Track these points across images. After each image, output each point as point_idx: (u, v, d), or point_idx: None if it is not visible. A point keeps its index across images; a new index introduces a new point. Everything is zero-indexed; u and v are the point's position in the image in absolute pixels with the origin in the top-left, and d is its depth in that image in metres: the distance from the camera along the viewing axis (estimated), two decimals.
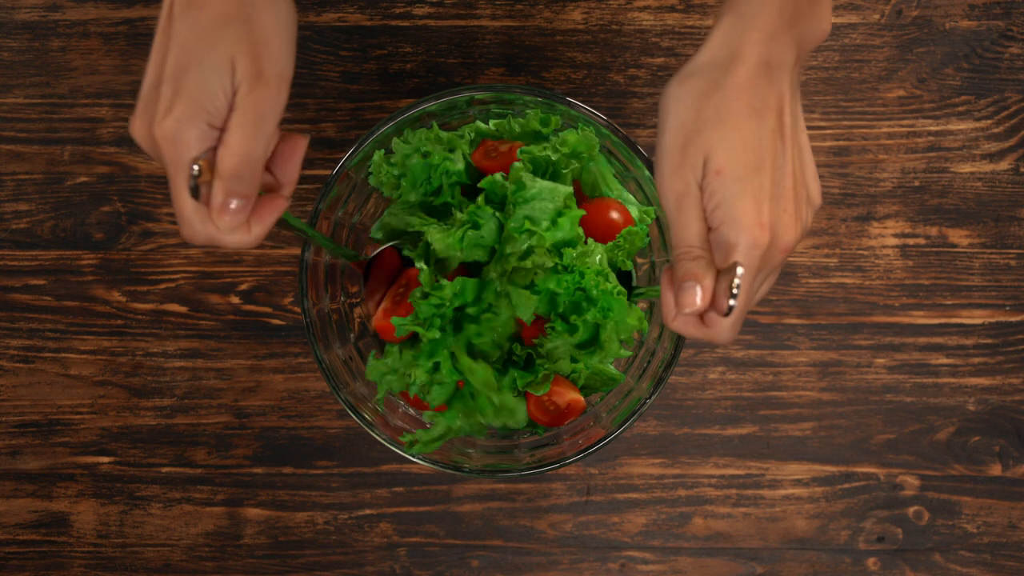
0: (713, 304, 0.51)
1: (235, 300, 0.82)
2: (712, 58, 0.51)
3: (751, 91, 0.50)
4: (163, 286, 0.82)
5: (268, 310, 0.82)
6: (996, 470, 0.81)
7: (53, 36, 0.84)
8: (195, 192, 0.50)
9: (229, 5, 0.51)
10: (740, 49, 0.50)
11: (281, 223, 0.57)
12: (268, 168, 0.55)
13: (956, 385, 0.81)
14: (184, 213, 0.52)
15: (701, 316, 0.52)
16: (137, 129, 0.52)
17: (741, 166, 0.50)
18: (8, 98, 0.84)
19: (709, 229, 0.51)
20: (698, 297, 0.51)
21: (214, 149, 0.51)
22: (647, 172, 0.68)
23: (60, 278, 0.83)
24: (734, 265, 0.49)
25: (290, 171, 0.56)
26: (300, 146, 0.56)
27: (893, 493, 0.81)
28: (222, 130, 0.51)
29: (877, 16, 0.83)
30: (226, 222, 0.52)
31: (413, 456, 0.67)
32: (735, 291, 0.49)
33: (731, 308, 0.50)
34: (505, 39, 0.83)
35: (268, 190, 0.56)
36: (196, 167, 0.50)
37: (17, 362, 0.82)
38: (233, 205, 0.51)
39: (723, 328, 0.52)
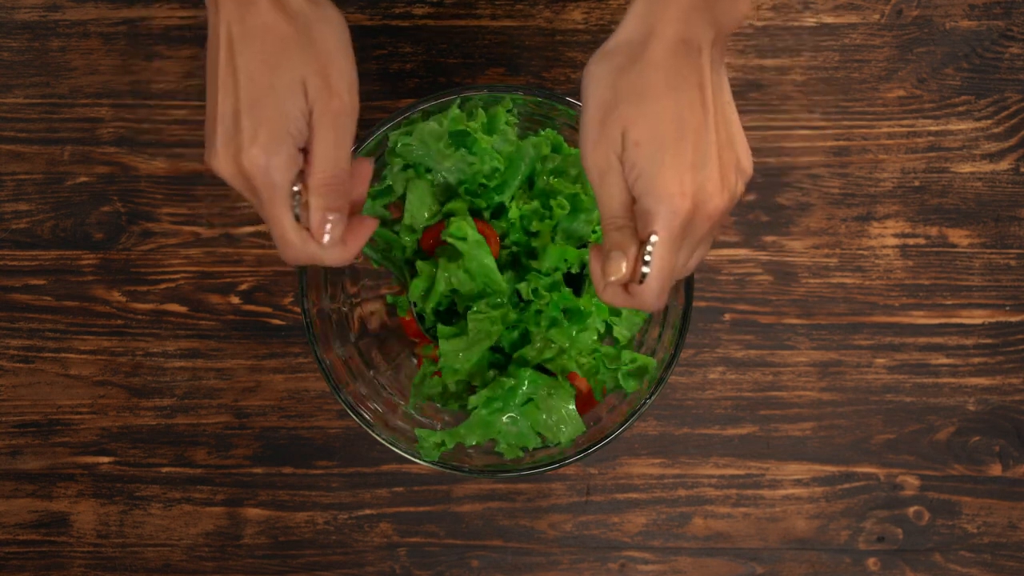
0: (635, 275, 0.52)
1: (235, 300, 0.82)
2: (629, 37, 0.52)
3: (668, 67, 0.51)
4: (163, 286, 0.82)
5: (268, 310, 0.82)
6: (996, 470, 0.81)
7: (53, 36, 0.84)
8: (298, 216, 0.53)
9: (287, 27, 0.52)
10: (656, 27, 0.51)
11: (375, 250, 0.61)
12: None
13: (956, 385, 0.81)
14: (287, 237, 0.54)
15: (626, 286, 0.53)
16: (223, 165, 0.53)
17: (660, 136, 0.50)
18: (8, 98, 0.84)
19: (633, 200, 0.52)
20: (623, 266, 0.52)
21: (301, 172, 0.53)
22: None
23: (60, 278, 0.83)
24: (649, 234, 0.51)
25: (360, 191, 0.58)
26: (367, 168, 0.58)
27: (893, 493, 0.81)
28: (306, 151, 0.53)
29: (877, 16, 0.83)
30: (327, 238, 0.54)
31: (413, 456, 0.67)
32: (647, 258, 0.51)
33: (644, 276, 0.51)
34: (505, 39, 0.83)
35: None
36: (296, 189, 0.52)
37: (17, 362, 0.82)
38: (331, 219, 0.54)
39: (646, 297, 0.53)
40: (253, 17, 0.52)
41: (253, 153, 0.52)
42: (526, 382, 0.66)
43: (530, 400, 0.66)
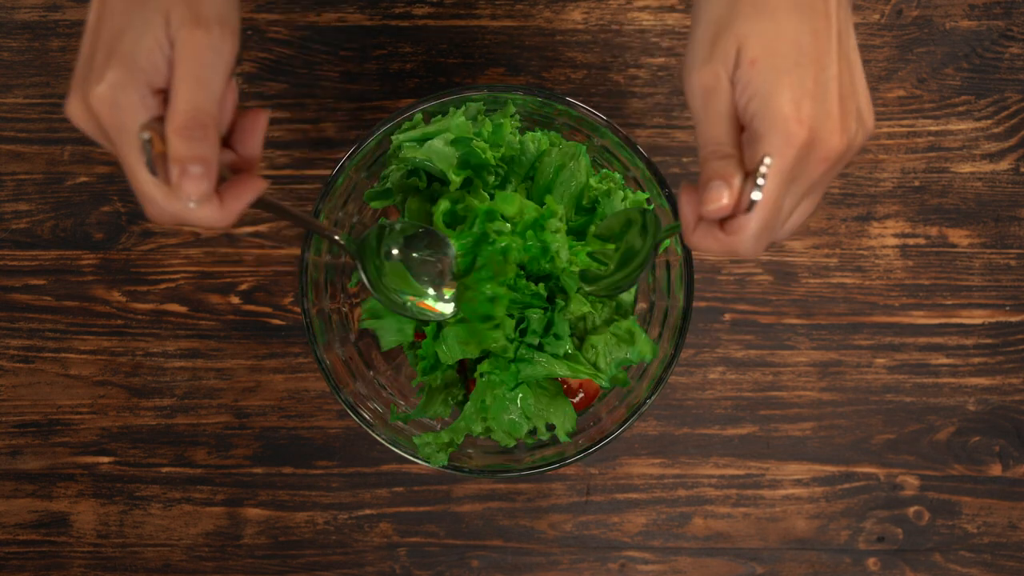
0: (738, 206, 0.47)
1: (235, 300, 0.82)
2: None
3: None
4: (163, 286, 0.82)
5: (268, 310, 0.82)
6: (996, 470, 0.81)
7: (53, 36, 0.84)
8: (151, 167, 0.46)
9: None
10: None
11: (264, 206, 0.53)
12: (230, 144, 0.51)
13: (956, 385, 0.81)
14: (144, 190, 0.47)
15: (721, 225, 0.48)
16: (72, 107, 0.47)
17: (780, 57, 0.46)
18: (8, 98, 0.83)
19: (741, 129, 0.47)
20: (725, 196, 0.46)
21: (162, 118, 0.46)
22: (647, 172, 0.68)
23: (60, 278, 0.83)
24: (763, 156, 0.45)
25: (252, 145, 0.51)
26: (261, 120, 0.51)
27: (893, 493, 0.81)
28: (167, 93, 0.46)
29: (877, 16, 0.83)
30: (189, 191, 0.46)
31: (413, 456, 0.67)
32: (760, 182, 0.45)
33: (753, 203, 0.46)
34: (505, 39, 0.83)
35: (236, 170, 0.51)
36: (146, 134, 0.45)
37: (17, 362, 0.82)
38: (193, 171, 0.45)
39: (746, 236, 0.47)
40: None
41: (99, 90, 0.45)
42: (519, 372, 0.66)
43: (521, 384, 0.66)
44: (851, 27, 0.49)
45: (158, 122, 0.46)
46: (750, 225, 0.47)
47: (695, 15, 0.48)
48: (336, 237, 0.62)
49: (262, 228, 0.82)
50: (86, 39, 0.47)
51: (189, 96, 0.46)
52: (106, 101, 0.46)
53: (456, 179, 0.65)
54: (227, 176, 0.49)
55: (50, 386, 0.82)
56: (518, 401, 0.67)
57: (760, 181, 0.45)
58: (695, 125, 0.49)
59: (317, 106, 0.83)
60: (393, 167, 0.70)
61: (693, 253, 0.68)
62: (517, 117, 0.68)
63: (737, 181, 0.46)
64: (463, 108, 0.67)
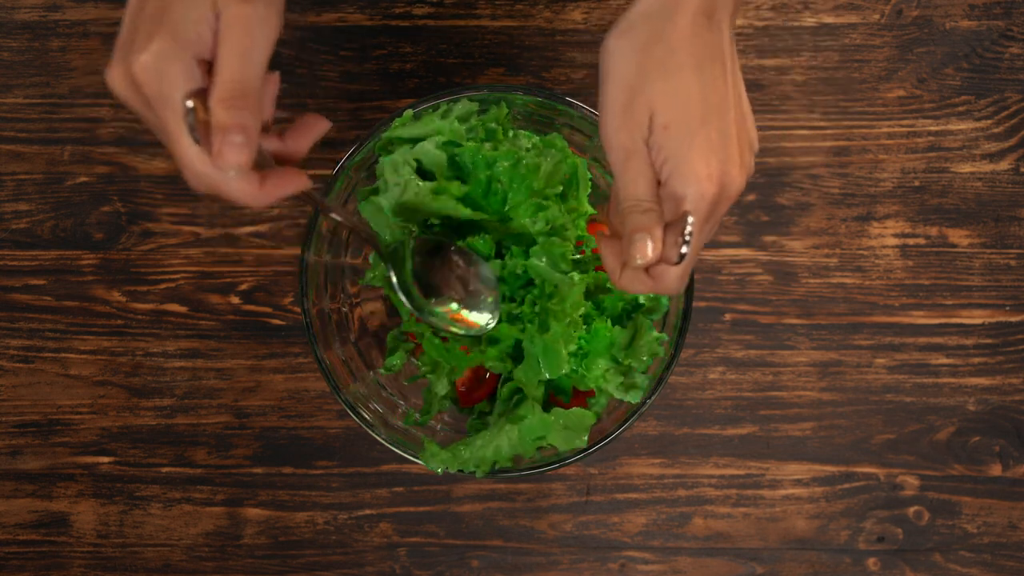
0: (663, 255, 0.51)
1: (235, 300, 0.82)
2: (650, 9, 0.50)
3: (694, 41, 0.49)
4: (163, 286, 0.82)
5: (268, 310, 0.82)
6: (996, 470, 0.81)
7: (53, 36, 0.84)
8: (194, 135, 0.47)
9: None
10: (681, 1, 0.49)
11: (307, 199, 0.54)
12: (281, 136, 0.53)
13: (956, 385, 0.81)
14: (185, 157, 0.48)
15: (646, 270, 0.53)
16: (114, 76, 0.47)
17: (688, 119, 0.49)
18: (8, 98, 0.83)
19: (659, 183, 0.51)
20: (650, 248, 0.51)
21: (206, 90, 0.47)
22: None
23: (60, 278, 0.83)
24: (685, 214, 0.50)
25: (301, 144, 0.53)
26: (321, 125, 0.54)
27: (893, 493, 0.81)
28: (211, 64, 0.47)
29: (877, 16, 0.83)
30: (229, 159, 0.46)
31: (413, 456, 0.67)
32: (687, 238, 0.50)
33: (682, 256, 0.50)
34: (505, 39, 0.83)
35: (278, 160, 0.53)
36: (190, 102, 0.46)
37: (17, 362, 0.82)
38: (234, 139, 0.46)
39: (671, 278, 0.52)
40: None
41: (143, 59, 0.46)
42: (541, 419, 0.65)
43: (540, 438, 0.66)
44: (735, 52, 0.52)
45: (200, 92, 0.47)
46: (678, 271, 0.52)
47: (604, 70, 0.51)
48: (376, 244, 0.62)
49: (262, 228, 0.82)
50: (130, 8, 0.48)
51: (235, 68, 0.47)
52: (150, 69, 0.46)
53: (454, 191, 0.65)
54: (268, 164, 0.51)
55: (50, 386, 0.82)
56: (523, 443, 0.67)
57: (687, 238, 0.50)
58: (615, 179, 0.52)
59: (317, 106, 0.83)
60: (384, 161, 0.69)
61: None
62: (509, 117, 0.68)
63: (659, 232, 0.51)
64: (460, 102, 0.67)
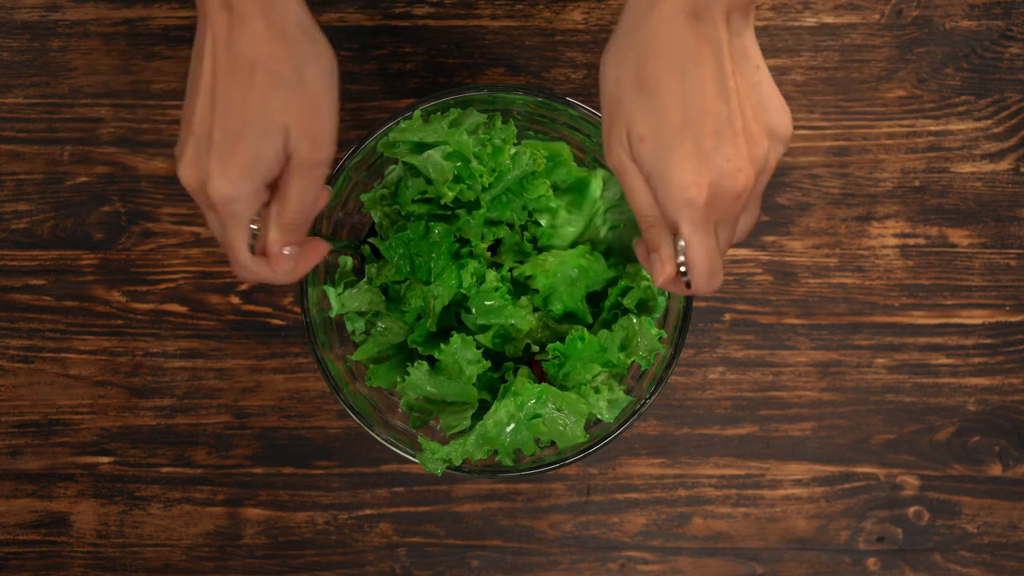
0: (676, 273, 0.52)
1: (235, 300, 0.82)
2: (628, 17, 0.49)
3: (674, 44, 0.47)
4: (163, 286, 0.82)
5: (268, 310, 0.82)
6: (996, 470, 0.81)
7: (53, 36, 0.84)
8: (252, 248, 0.55)
9: (277, 66, 0.50)
10: (657, 1, 0.47)
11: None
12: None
13: (956, 385, 0.81)
14: (241, 260, 0.55)
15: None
16: (188, 179, 0.52)
17: (666, 127, 0.48)
18: (8, 98, 0.84)
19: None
20: (662, 268, 0.52)
21: (266, 204, 0.53)
22: None
23: (60, 278, 0.83)
24: (679, 236, 0.50)
25: (302, 269, 0.58)
26: (321, 250, 0.59)
27: (893, 493, 0.81)
28: (272, 186, 0.53)
29: (877, 16, 0.83)
30: (283, 267, 0.55)
31: (413, 456, 0.67)
32: (681, 258, 0.50)
33: (687, 283, 0.51)
34: (505, 39, 0.83)
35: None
36: (255, 227, 0.54)
37: (17, 362, 0.82)
38: (287, 252, 0.55)
39: (696, 287, 0.52)
40: (242, 43, 0.49)
41: (219, 184, 0.51)
42: (535, 398, 0.65)
43: (537, 416, 0.66)
44: (750, 47, 0.50)
45: (264, 207, 0.54)
46: (694, 283, 0.52)
47: (599, 85, 0.51)
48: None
49: None
50: (201, 112, 0.51)
51: (301, 200, 0.53)
52: (226, 199, 0.51)
53: (450, 194, 0.65)
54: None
55: (50, 386, 0.82)
56: (520, 433, 0.67)
57: (681, 257, 0.50)
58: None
59: None
60: (394, 168, 0.70)
61: None
62: (514, 132, 0.68)
63: (667, 249, 0.52)
64: (467, 110, 0.67)
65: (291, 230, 0.54)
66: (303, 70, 0.50)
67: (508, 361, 0.69)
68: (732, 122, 0.48)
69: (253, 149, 0.50)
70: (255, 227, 0.53)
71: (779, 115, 0.51)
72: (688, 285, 0.52)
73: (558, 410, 0.66)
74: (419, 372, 0.66)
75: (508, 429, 0.65)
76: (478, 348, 0.65)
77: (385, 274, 0.69)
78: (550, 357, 0.67)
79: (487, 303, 0.67)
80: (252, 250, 0.54)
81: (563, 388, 0.67)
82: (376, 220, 0.71)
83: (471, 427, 0.65)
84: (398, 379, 0.67)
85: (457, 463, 0.65)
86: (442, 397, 0.67)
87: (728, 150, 0.48)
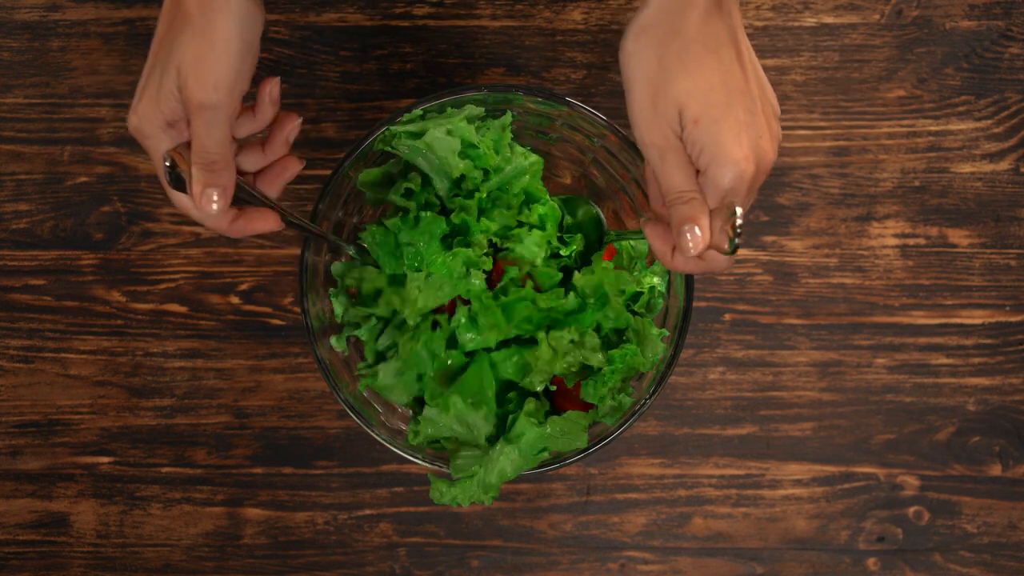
0: (712, 242, 0.53)
1: (235, 300, 0.82)
2: (662, 6, 0.53)
3: (707, 31, 0.52)
4: (163, 286, 0.82)
5: (268, 310, 0.82)
6: (996, 470, 0.81)
7: (53, 36, 0.84)
8: (178, 181, 0.57)
9: (193, 10, 0.54)
10: None
11: (287, 224, 0.63)
12: (263, 146, 0.61)
13: (956, 385, 0.81)
14: (170, 195, 0.58)
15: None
16: (128, 122, 0.58)
17: (714, 108, 0.52)
18: (8, 98, 0.84)
19: (697, 171, 0.54)
20: (699, 238, 0.53)
21: (188, 144, 0.57)
22: None
23: (60, 278, 0.83)
24: (731, 205, 0.52)
25: (271, 190, 0.61)
26: (291, 168, 0.61)
27: (893, 493, 0.81)
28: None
29: (877, 16, 0.83)
30: (207, 210, 0.56)
31: (414, 456, 0.67)
32: (739, 230, 0.51)
33: (736, 247, 0.52)
34: (505, 39, 0.83)
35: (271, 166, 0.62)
36: (168, 160, 0.56)
37: (17, 362, 0.82)
38: (210, 193, 0.56)
39: (722, 260, 0.55)
40: None
41: (132, 118, 0.57)
42: (538, 439, 0.65)
43: (544, 450, 0.66)
44: (742, 27, 0.55)
45: (186, 146, 0.57)
46: (728, 257, 0.54)
47: (628, 71, 0.54)
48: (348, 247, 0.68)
49: None
50: (150, 51, 0.57)
51: (198, 140, 0.56)
52: (137, 132, 0.57)
53: (459, 165, 0.65)
54: (251, 198, 0.60)
55: (50, 386, 0.82)
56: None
57: (739, 230, 0.51)
58: (656, 174, 0.55)
59: (317, 106, 0.83)
60: (393, 162, 0.69)
61: None
62: (511, 130, 0.68)
63: (706, 220, 0.53)
64: (465, 108, 0.67)
65: (203, 169, 0.56)
66: (213, 18, 0.54)
67: (520, 394, 0.68)
68: (755, 101, 0.53)
69: (155, 86, 0.55)
70: (168, 161, 0.56)
71: (773, 96, 0.56)
72: (732, 251, 0.54)
73: (563, 434, 0.66)
74: (433, 411, 0.67)
75: (510, 470, 0.66)
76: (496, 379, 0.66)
77: (355, 276, 0.69)
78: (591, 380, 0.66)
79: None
80: (172, 186, 0.57)
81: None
82: (367, 196, 0.70)
83: (480, 465, 0.66)
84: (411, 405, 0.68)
85: (465, 504, 0.66)
86: (454, 436, 0.67)
87: (759, 127, 0.53)
